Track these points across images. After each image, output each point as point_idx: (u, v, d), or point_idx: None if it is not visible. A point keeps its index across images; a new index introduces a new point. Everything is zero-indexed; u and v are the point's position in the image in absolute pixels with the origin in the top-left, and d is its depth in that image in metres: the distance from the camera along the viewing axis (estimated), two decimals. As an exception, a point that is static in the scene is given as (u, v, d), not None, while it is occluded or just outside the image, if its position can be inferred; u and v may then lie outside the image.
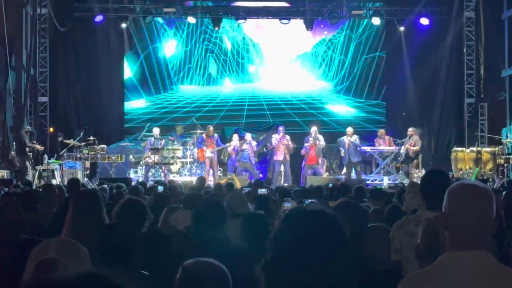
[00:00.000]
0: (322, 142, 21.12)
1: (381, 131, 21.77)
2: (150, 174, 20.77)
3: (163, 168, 20.72)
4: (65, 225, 4.79)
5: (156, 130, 21.16)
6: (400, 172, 20.92)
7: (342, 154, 21.21)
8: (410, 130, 20.98)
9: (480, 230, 2.66)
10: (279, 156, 20.95)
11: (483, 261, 2.61)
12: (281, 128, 21.29)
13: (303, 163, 21.16)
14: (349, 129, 21.32)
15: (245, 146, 20.95)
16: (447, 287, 2.61)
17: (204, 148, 20.85)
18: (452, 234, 2.69)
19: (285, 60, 25.95)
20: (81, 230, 4.40)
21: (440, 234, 2.80)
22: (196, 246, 4.90)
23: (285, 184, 19.19)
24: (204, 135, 21.14)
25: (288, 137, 21.19)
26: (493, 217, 2.67)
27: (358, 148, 20.97)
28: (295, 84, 25.87)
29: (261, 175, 21.21)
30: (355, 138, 21.02)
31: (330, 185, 14.07)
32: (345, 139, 21.06)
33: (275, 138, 21.11)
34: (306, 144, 20.98)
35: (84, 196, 4.98)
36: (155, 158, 20.43)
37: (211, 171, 20.96)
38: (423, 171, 21.53)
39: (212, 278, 3.01)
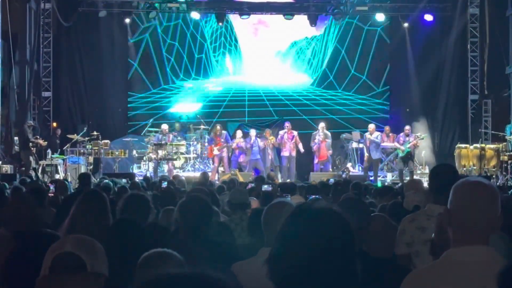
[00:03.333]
0: (329, 139, 21.08)
1: (387, 128, 21.66)
2: (152, 169, 20.74)
3: (169, 163, 20.71)
4: (65, 222, 4.79)
5: (164, 126, 21.10)
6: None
7: (355, 146, 21.26)
8: (408, 128, 20.86)
9: (485, 227, 2.67)
10: (285, 152, 20.89)
11: (487, 257, 2.62)
12: (287, 124, 21.16)
13: (316, 160, 21.02)
14: (371, 126, 21.11)
15: (242, 144, 20.92)
16: (452, 283, 2.62)
17: (212, 146, 20.92)
18: (456, 230, 2.70)
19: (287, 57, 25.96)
20: (82, 229, 4.39)
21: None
22: (184, 241, 4.88)
23: (288, 180, 19.15)
24: (212, 135, 21.19)
25: (295, 132, 21.06)
26: (499, 213, 2.67)
27: (380, 146, 20.81)
28: (297, 80, 25.90)
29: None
30: (377, 135, 20.84)
31: (331, 180, 14.03)
32: (366, 135, 20.95)
33: (280, 134, 21.05)
34: (316, 140, 20.89)
35: (89, 197, 4.95)
36: (159, 153, 20.41)
37: (221, 169, 21.02)
38: (427, 168, 21.54)
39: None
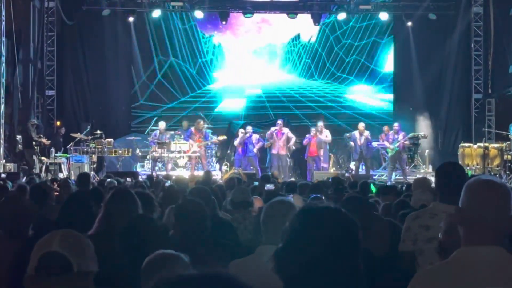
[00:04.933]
0: (329, 137, 20.99)
1: (386, 128, 21.68)
2: (156, 168, 20.75)
3: (167, 162, 20.70)
4: (96, 222, 4.79)
5: (162, 124, 21.11)
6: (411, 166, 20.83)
7: (352, 144, 21.05)
8: (396, 125, 20.88)
9: (497, 226, 2.64)
10: (274, 150, 20.81)
11: (498, 257, 2.60)
12: (279, 122, 21.09)
13: (306, 156, 20.96)
14: (361, 125, 21.11)
15: (240, 140, 20.92)
16: (461, 282, 2.60)
17: (191, 141, 20.78)
18: (468, 230, 2.68)
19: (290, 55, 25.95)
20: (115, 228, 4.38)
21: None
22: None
23: (292, 179, 19.11)
24: (193, 129, 21.08)
25: (286, 130, 21.00)
26: (510, 213, 2.65)
27: (368, 144, 20.81)
28: (301, 79, 25.90)
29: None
30: (367, 133, 20.86)
31: (330, 179, 14.06)
32: (356, 134, 20.90)
33: (271, 131, 20.96)
34: (307, 135, 20.88)
35: (119, 197, 4.93)
36: (161, 152, 20.44)
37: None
38: (430, 167, 21.54)
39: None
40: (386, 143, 20.55)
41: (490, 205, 2.64)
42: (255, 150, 20.89)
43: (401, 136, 20.49)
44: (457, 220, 2.72)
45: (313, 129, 20.88)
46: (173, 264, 3.27)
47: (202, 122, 21.22)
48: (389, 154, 20.52)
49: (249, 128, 21.25)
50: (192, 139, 20.78)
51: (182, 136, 21.59)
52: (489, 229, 2.63)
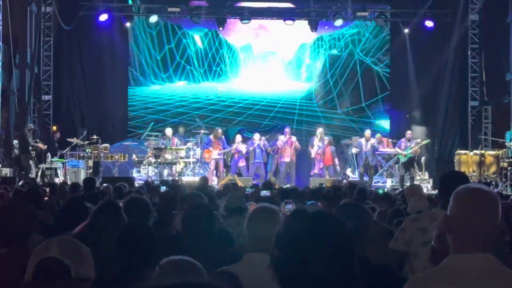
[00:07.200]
0: (333, 146, 21.21)
1: (378, 136, 21.70)
2: (153, 173, 20.73)
3: (173, 168, 20.75)
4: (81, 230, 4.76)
5: (168, 131, 21.29)
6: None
7: (355, 151, 21.08)
8: (409, 133, 20.93)
9: (485, 234, 2.65)
10: (286, 158, 20.88)
11: (487, 264, 2.61)
12: (287, 130, 21.21)
13: (320, 164, 20.99)
14: (367, 132, 21.19)
15: (246, 148, 20.98)
16: None
17: (211, 149, 20.90)
18: (457, 237, 2.69)
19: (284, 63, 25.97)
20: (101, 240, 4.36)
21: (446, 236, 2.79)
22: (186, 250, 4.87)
23: (288, 185, 19.12)
24: (211, 137, 21.23)
25: (294, 138, 21.17)
26: (498, 221, 2.66)
27: (375, 152, 20.87)
28: (297, 87, 25.91)
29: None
30: (373, 141, 20.91)
31: (324, 185, 14.02)
32: (363, 141, 20.95)
33: (281, 139, 21.01)
34: (319, 144, 20.91)
35: (106, 210, 4.90)
36: (160, 157, 20.46)
37: (214, 172, 21.03)
38: (426, 174, 21.55)
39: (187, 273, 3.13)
40: (398, 150, 20.58)
41: (477, 213, 2.64)
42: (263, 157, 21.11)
43: (413, 144, 20.48)
44: (445, 227, 2.72)
45: (325, 138, 20.91)
46: (190, 270, 3.20)
47: (220, 130, 21.38)
48: (402, 161, 20.51)
49: (257, 136, 21.30)
50: (212, 146, 20.90)
51: (179, 142, 21.59)
52: (477, 237, 2.64)
